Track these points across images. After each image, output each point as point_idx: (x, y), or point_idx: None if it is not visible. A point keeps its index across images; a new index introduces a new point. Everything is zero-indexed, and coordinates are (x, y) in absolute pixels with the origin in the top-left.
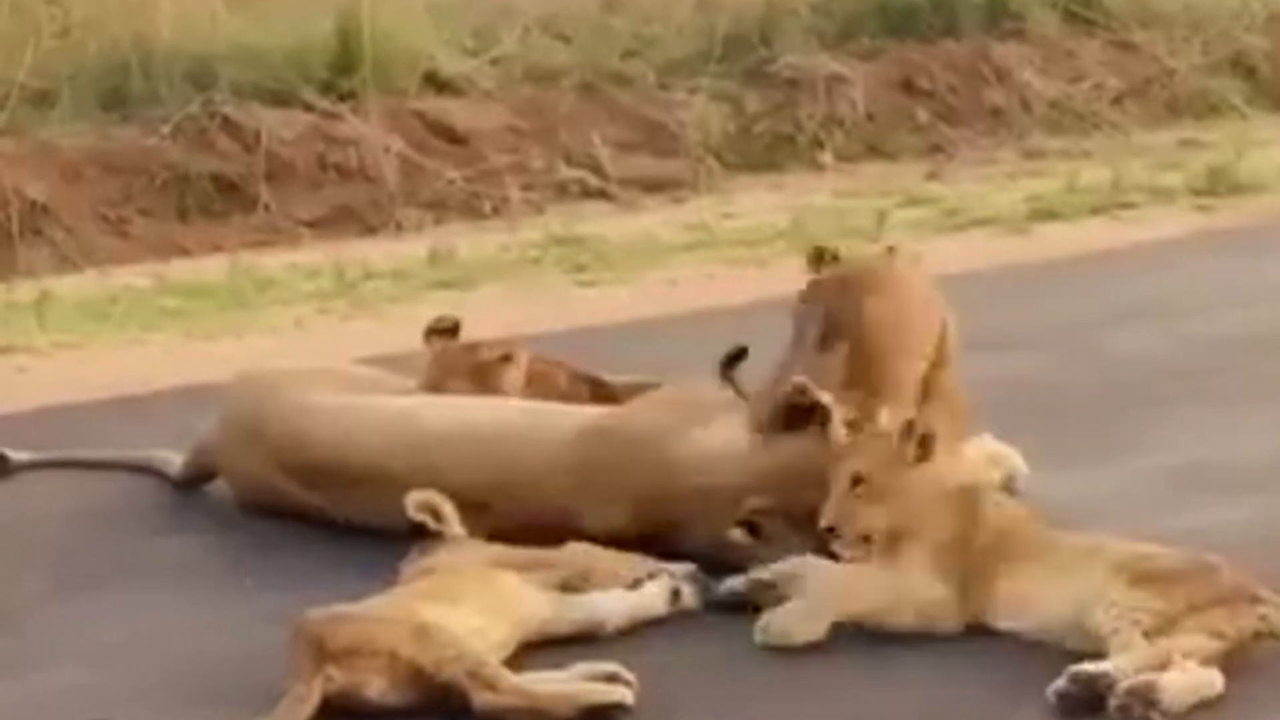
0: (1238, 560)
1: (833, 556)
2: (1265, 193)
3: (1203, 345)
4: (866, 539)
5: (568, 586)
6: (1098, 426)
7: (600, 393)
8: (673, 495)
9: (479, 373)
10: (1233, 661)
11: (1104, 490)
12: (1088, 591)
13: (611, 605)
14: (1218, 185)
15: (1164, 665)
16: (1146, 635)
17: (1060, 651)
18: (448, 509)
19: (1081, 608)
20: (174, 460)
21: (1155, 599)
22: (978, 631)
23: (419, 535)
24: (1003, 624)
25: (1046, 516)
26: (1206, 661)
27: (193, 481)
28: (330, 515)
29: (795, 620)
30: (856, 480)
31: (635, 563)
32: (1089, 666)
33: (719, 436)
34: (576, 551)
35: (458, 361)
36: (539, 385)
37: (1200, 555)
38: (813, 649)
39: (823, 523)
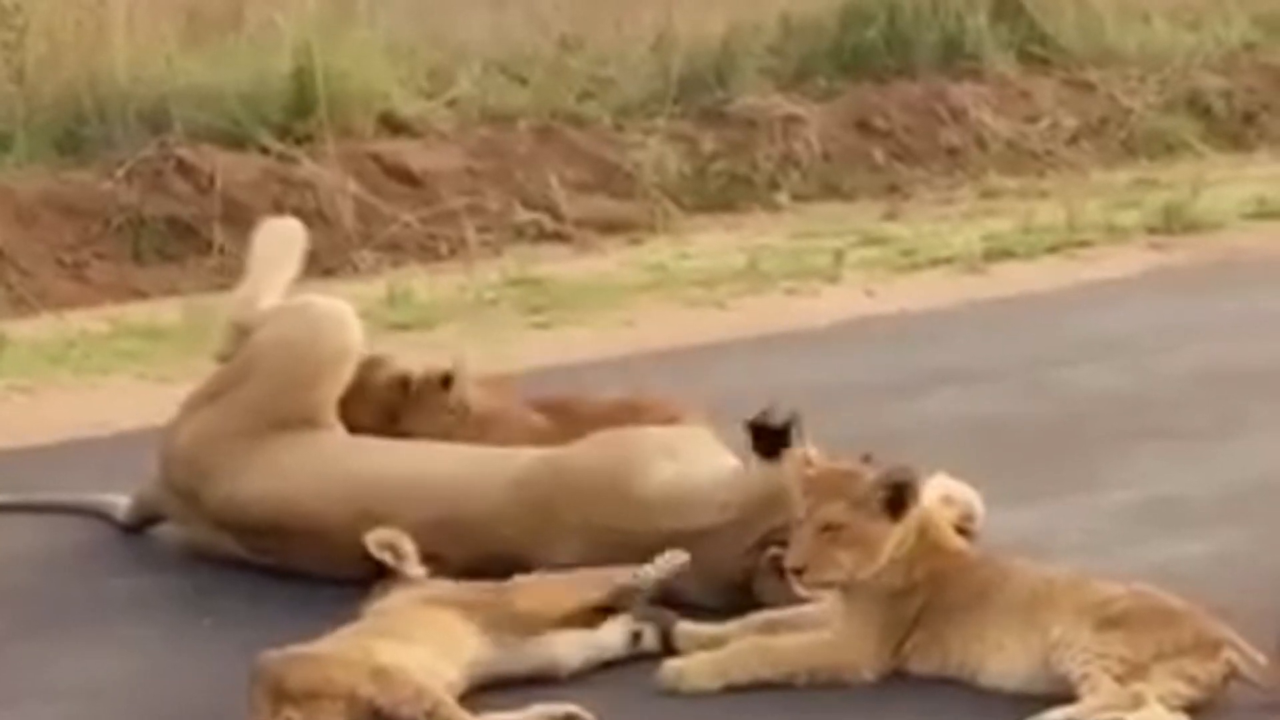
0: (1198, 595)
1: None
2: (1221, 231)
3: (1160, 381)
4: (829, 584)
5: (521, 625)
6: (1057, 462)
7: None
8: (629, 530)
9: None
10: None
11: (1064, 526)
12: (1051, 637)
13: (567, 648)
14: (1173, 224)
15: (1135, 707)
16: (1118, 680)
17: (1027, 697)
18: (408, 547)
19: (1046, 653)
20: (121, 504)
21: (1121, 645)
22: (943, 679)
23: (380, 575)
24: (963, 673)
25: (1006, 553)
26: (1178, 707)
27: (140, 525)
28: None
29: (694, 671)
30: (830, 526)
31: (590, 583)
32: (1054, 714)
33: (679, 472)
34: (530, 584)
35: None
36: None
37: (1164, 601)
38: (772, 690)
39: (790, 563)
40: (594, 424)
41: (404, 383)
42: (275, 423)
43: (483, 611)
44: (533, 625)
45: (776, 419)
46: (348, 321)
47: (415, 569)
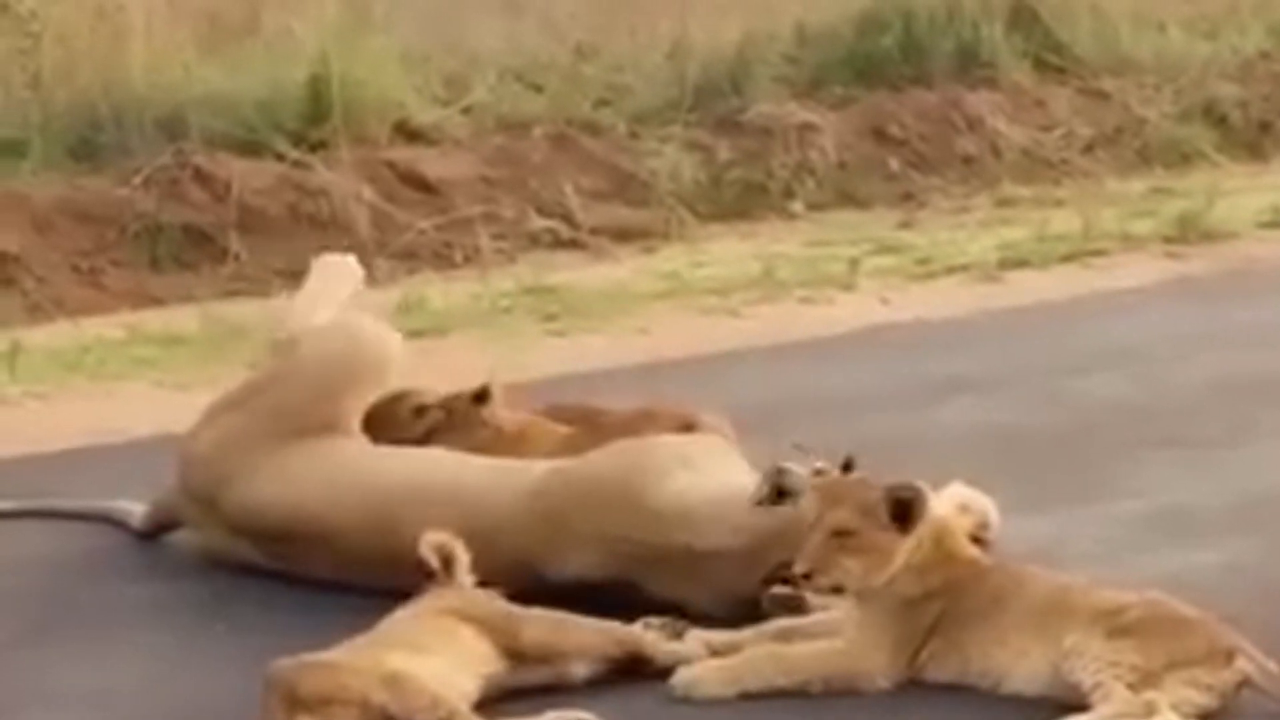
0: (1210, 604)
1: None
2: (1236, 240)
3: (1174, 390)
4: (838, 589)
5: (527, 654)
6: (1070, 471)
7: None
8: (641, 541)
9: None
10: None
11: (1077, 534)
12: (1064, 645)
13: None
14: (1188, 233)
15: (1148, 715)
16: (1130, 688)
17: (1042, 703)
18: (461, 553)
19: (1059, 661)
20: (135, 511)
21: (1134, 653)
22: (958, 686)
23: (429, 578)
24: (984, 680)
25: (1020, 560)
26: (1190, 715)
27: (155, 532)
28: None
29: (707, 679)
30: (840, 532)
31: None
32: None
33: (692, 483)
34: (539, 618)
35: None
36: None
37: (1177, 609)
38: (786, 698)
39: (799, 567)
40: (615, 433)
41: (419, 411)
42: (297, 429)
43: (493, 632)
44: (537, 656)
45: (794, 482)
46: (387, 338)
47: (465, 576)
